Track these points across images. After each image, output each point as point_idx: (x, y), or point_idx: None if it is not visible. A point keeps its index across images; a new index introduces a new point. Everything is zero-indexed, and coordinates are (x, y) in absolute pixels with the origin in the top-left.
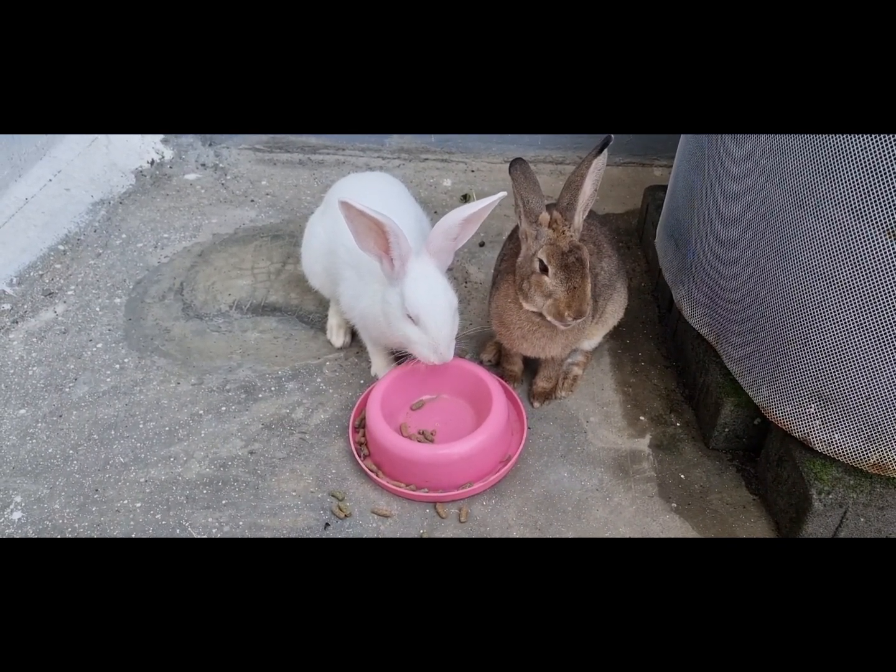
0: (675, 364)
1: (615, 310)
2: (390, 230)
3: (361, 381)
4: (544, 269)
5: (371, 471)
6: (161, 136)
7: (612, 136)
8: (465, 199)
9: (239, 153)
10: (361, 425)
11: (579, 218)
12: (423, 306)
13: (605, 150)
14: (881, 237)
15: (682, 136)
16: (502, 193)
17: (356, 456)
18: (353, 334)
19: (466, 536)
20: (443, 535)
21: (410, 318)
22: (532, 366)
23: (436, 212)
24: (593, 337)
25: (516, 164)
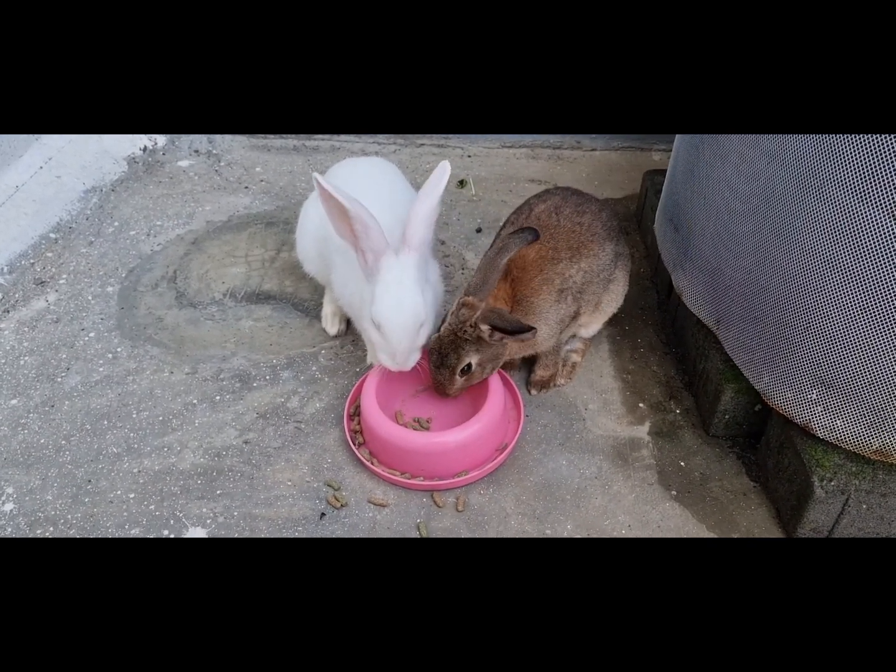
0: (675, 350)
1: (613, 299)
2: (355, 217)
3: (357, 370)
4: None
5: (366, 459)
6: None
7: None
8: (462, 184)
9: (233, 139)
10: (356, 413)
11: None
12: (387, 319)
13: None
14: (885, 220)
15: None
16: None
17: (351, 444)
18: (349, 322)
19: (464, 525)
20: (440, 525)
21: (374, 323)
22: None
23: None
24: (591, 325)
25: (516, 235)
